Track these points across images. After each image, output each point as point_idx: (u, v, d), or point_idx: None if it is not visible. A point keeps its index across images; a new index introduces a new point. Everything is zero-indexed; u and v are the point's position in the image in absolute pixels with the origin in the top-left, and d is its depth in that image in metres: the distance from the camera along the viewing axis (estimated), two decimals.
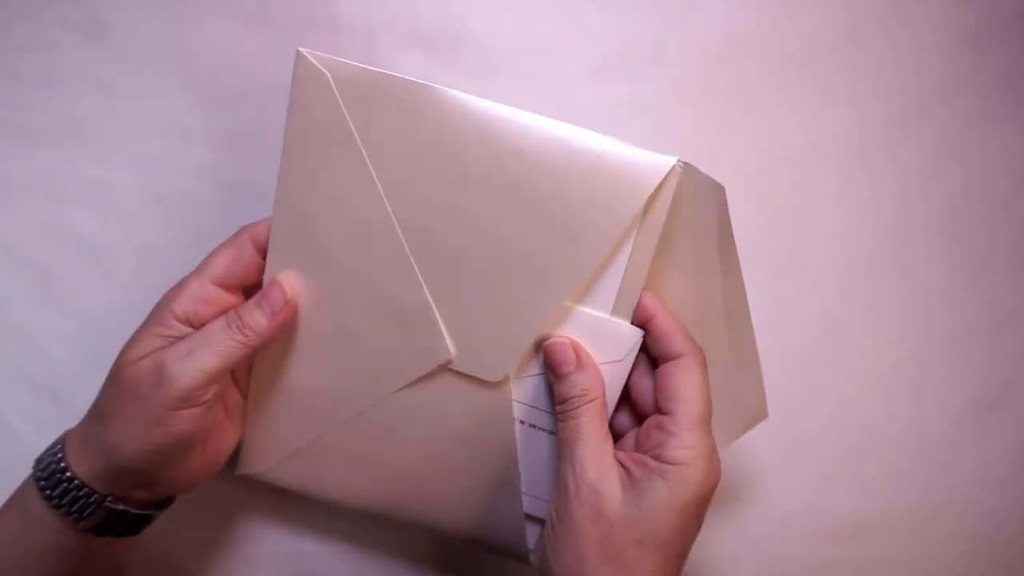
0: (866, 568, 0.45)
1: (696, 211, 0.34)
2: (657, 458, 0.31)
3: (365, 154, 0.33)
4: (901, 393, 0.45)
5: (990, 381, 0.45)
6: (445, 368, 0.35)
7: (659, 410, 0.33)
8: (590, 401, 0.33)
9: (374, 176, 0.33)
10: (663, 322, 0.33)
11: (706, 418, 0.32)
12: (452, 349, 0.35)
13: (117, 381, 0.33)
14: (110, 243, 0.45)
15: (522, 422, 0.36)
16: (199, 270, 0.35)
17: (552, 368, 0.34)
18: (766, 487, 0.45)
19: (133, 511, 0.34)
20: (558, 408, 0.33)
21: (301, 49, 0.33)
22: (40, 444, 0.45)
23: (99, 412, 0.34)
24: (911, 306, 0.45)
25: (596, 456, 0.31)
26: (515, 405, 0.36)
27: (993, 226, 0.46)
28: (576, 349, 0.34)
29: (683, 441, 0.31)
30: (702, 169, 0.45)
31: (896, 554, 0.45)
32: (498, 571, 0.44)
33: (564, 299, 0.34)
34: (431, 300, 0.34)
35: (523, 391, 0.36)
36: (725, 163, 0.45)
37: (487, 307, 0.34)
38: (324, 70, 0.32)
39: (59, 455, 0.34)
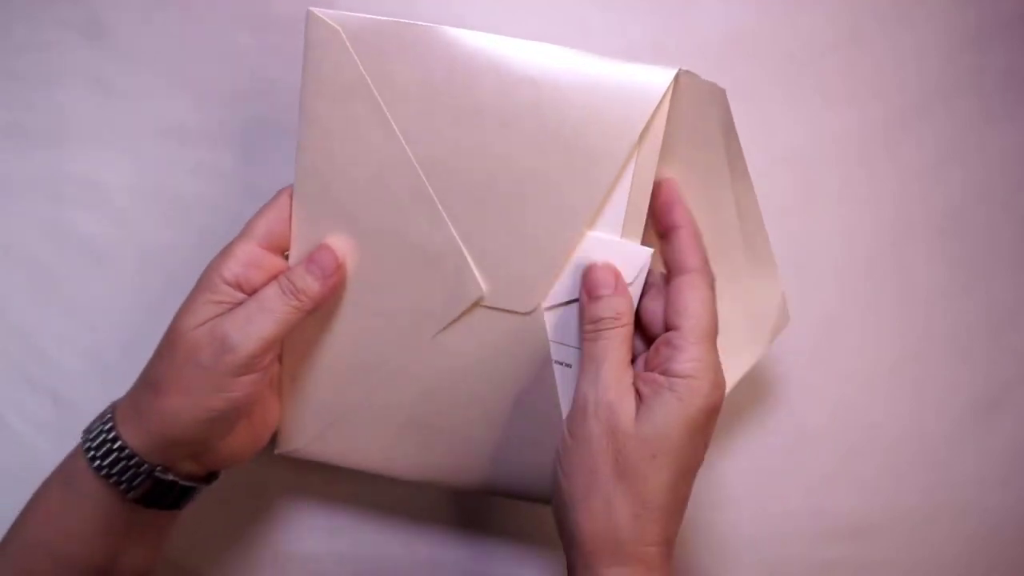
0: (866, 568, 0.45)
1: (698, 118, 0.34)
2: (665, 373, 0.31)
3: (382, 102, 0.33)
4: (901, 393, 0.45)
5: (990, 381, 0.45)
6: (477, 306, 0.35)
7: (667, 326, 0.33)
8: (622, 326, 0.33)
9: (392, 123, 0.33)
10: (687, 236, 0.34)
11: (712, 334, 0.32)
12: (483, 285, 0.35)
13: (174, 350, 0.33)
14: (110, 243, 0.45)
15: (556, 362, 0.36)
16: (243, 234, 0.35)
17: (589, 289, 0.34)
18: (766, 487, 0.45)
19: (181, 482, 0.34)
20: (588, 328, 0.33)
21: (312, 8, 0.33)
22: (40, 444, 0.45)
23: (152, 382, 0.34)
24: (911, 306, 0.45)
25: (617, 377, 0.32)
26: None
27: (993, 226, 0.46)
28: (616, 275, 0.34)
29: (690, 355, 0.31)
30: None
31: (896, 554, 0.45)
32: (498, 570, 0.45)
33: (584, 223, 0.34)
34: (458, 238, 0.34)
35: (551, 326, 0.36)
36: None
37: (513, 239, 0.34)
38: (336, 26, 0.33)
39: (109, 425, 0.34)
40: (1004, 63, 0.45)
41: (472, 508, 0.45)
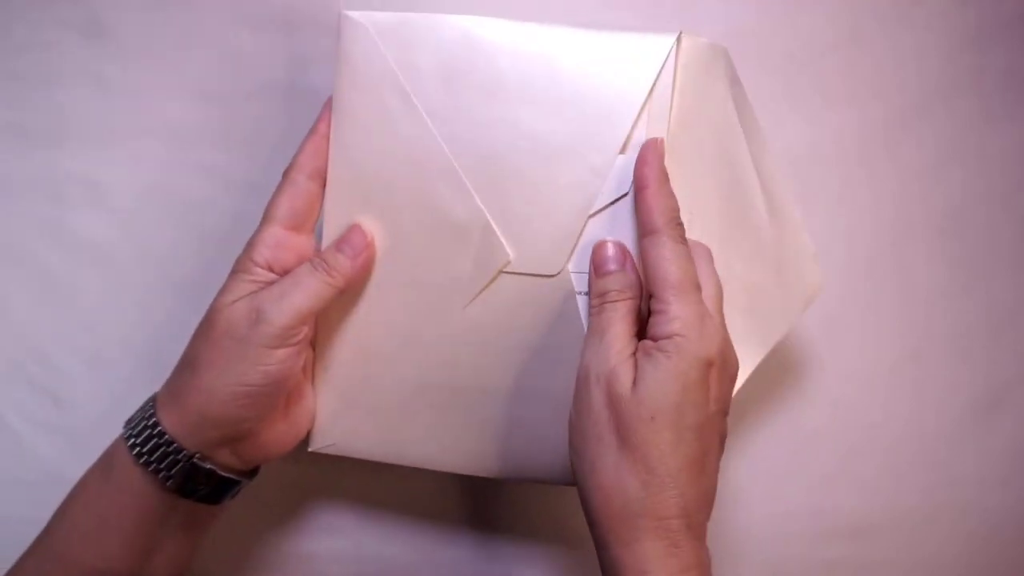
0: (866, 568, 0.45)
1: (704, 76, 0.36)
2: (654, 337, 0.31)
3: (408, 88, 0.36)
4: (901, 393, 0.45)
5: (990, 381, 0.45)
6: (505, 272, 0.37)
7: (649, 292, 0.33)
8: (626, 299, 0.33)
9: (419, 106, 0.36)
10: (651, 195, 0.33)
11: (687, 288, 0.32)
12: (510, 251, 0.36)
13: (211, 326, 0.34)
14: (110, 243, 0.45)
15: (582, 294, 0.37)
16: (265, 219, 0.36)
17: (597, 265, 0.35)
18: (766, 487, 0.45)
19: (219, 471, 0.35)
20: (593, 301, 0.34)
21: (345, 11, 0.36)
22: (40, 444, 0.45)
23: (190, 362, 0.34)
24: (911, 306, 0.45)
25: (619, 348, 0.32)
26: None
27: (993, 226, 0.46)
28: (624, 251, 0.35)
29: (670, 314, 0.31)
30: None
31: (896, 554, 0.45)
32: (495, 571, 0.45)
33: (601, 184, 0.35)
34: (483, 207, 0.36)
35: (578, 285, 0.37)
36: None
37: (536, 205, 0.36)
38: (365, 23, 0.36)
39: (151, 411, 0.34)
40: (1004, 63, 0.46)
41: (474, 507, 0.45)
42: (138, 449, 0.34)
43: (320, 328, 0.38)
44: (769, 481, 0.45)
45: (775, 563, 0.45)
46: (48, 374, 0.45)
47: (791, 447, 0.45)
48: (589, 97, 0.35)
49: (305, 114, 0.45)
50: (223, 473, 0.35)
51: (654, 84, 0.35)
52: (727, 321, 0.33)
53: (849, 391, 0.45)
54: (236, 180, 0.45)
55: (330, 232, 0.37)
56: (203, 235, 0.45)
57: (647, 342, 0.32)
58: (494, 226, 0.36)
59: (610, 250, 0.35)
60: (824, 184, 0.45)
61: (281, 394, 0.35)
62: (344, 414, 0.39)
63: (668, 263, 0.32)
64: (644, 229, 0.33)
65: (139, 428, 0.34)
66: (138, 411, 0.36)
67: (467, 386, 0.38)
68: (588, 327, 0.34)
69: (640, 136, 0.35)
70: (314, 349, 0.39)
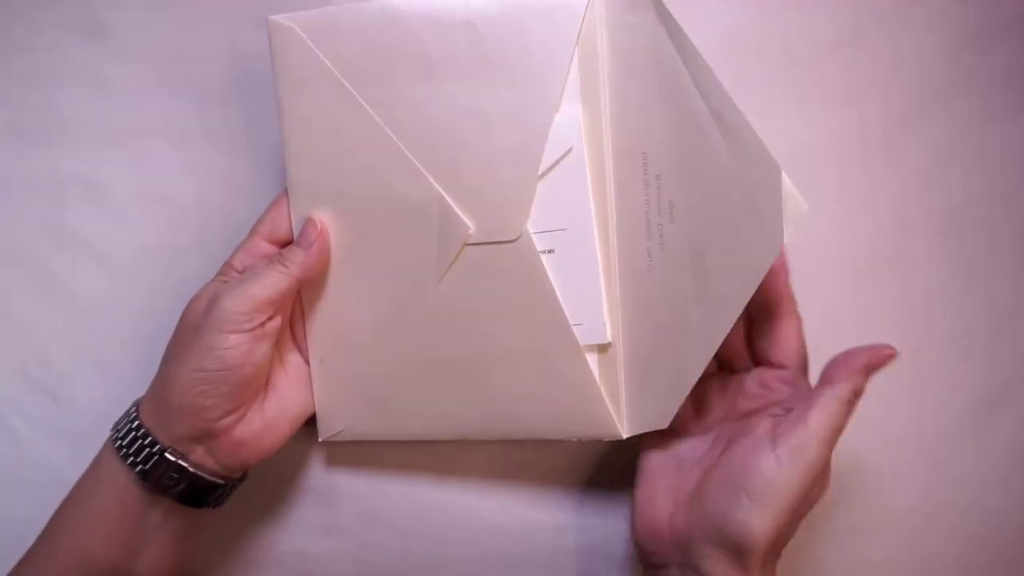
0: (866, 568, 0.45)
1: (632, 14, 0.36)
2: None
3: (344, 80, 0.37)
4: (900, 393, 0.45)
5: (990, 381, 0.45)
6: (468, 245, 0.37)
7: (771, 362, 0.37)
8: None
9: (356, 96, 0.37)
10: (778, 283, 0.37)
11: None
12: (470, 224, 0.37)
13: (181, 319, 0.37)
14: (110, 243, 0.45)
15: (545, 252, 0.37)
16: (251, 232, 0.39)
17: (874, 363, 0.36)
18: None
19: (190, 468, 0.35)
20: (852, 391, 0.35)
21: (270, 17, 0.37)
22: (40, 444, 0.45)
23: (164, 356, 0.37)
24: (910, 306, 0.45)
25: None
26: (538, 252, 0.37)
27: (993, 226, 0.46)
28: None
29: (805, 388, 0.36)
30: None
31: (896, 554, 0.45)
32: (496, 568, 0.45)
33: (543, 144, 0.36)
34: (437, 185, 0.37)
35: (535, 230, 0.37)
36: None
37: (485, 174, 0.37)
38: (292, 25, 0.37)
39: (134, 407, 0.37)
40: (1004, 63, 0.45)
41: (474, 509, 0.45)
42: (119, 443, 0.35)
43: (309, 324, 0.40)
44: None
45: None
46: (48, 374, 0.45)
47: None
48: (516, 58, 0.36)
49: None
50: (196, 471, 0.35)
51: (579, 30, 0.35)
52: (710, 264, 0.35)
53: None
54: (236, 180, 0.45)
55: (296, 232, 0.39)
56: (202, 235, 0.45)
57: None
58: (450, 201, 0.37)
59: (889, 357, 0.36)
60: (824, 184, 0.45)
61: (242, 384, 0.35)
62: (344, 401, 0.40)
63: (803, 344, 0.38)
64: (776, 311, 0.37)
65: (122, 422, 0.36)
66: (131, 405, 0.37)
67: (453, 357, 0.39)
68: (829, 409, 0.34)
69: (575, 85, 0.36)
70: (307, 345, 0.40)
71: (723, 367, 0.41)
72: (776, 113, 0.45)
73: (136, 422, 0.36)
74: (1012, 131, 0.46)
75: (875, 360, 0.35)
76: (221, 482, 0.37)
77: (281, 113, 0.38)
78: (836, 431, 0.33)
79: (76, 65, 0.45)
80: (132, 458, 0.35)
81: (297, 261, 0.37)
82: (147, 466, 0.35)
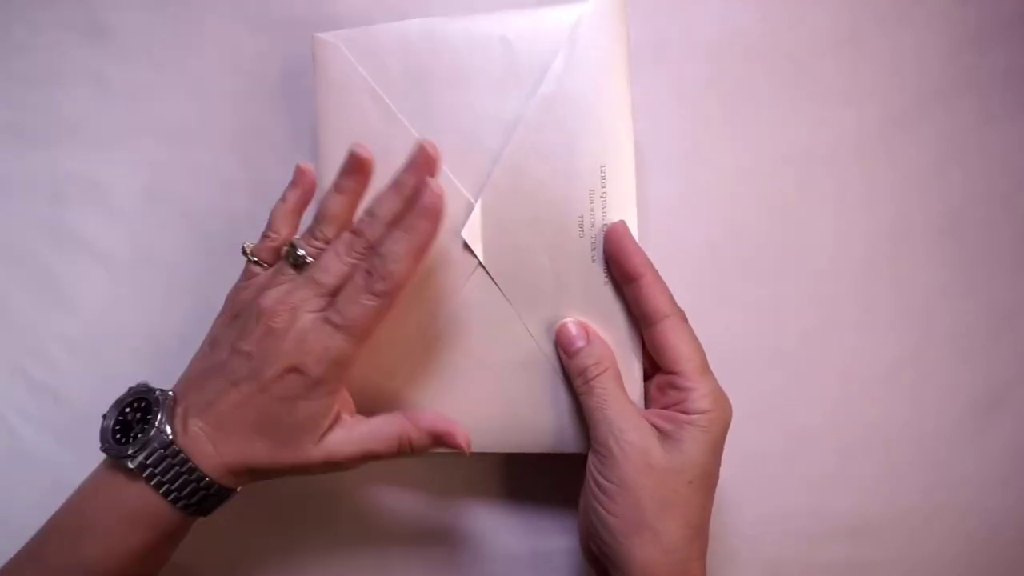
0: (865, 568, 0.45)
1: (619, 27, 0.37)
2: (684, 411, 0.34)
3: (382, 93, 0.38)
4: (900, 393, 0.45)
5: (990, 381, 0.45)
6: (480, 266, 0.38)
7: (665, 370, 0.35)
8: (605, 370, 0.35)
9: (392, 107, 0.38)
10: (649, 284, 0.35)
11: (706, 364, 0.35)
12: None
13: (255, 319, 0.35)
14: (110, 243, 0.45)
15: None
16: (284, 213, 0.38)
17: (565, 347, 0.36)
18: (766, 487, 0.45)
19: (228, 489, 0.34)
20: (579, 383, 0.36)
21: (316, 34, 0.39)
22: (40, 444, 0.45)
23: (219, 365, 0.35)
24: (910, 306, 0.45)
25: (629, 417, 0.34)
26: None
27: (993, 226, 0.46)
28: (584, 327, 0.36)
29: (701, 392, 0.34)
30: (703, 169, 0.45)
31: (896, 554, 0.45)
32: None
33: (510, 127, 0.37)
34: (466, 192, 0.38)
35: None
36: (724, 163, 0.45)
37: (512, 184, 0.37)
38: (337, 42, 0.39)
39: (168, 433, 0.34)
40: (1004, 63, 0.45)
41: (474, 508, 0.45)
42: (150, 470, 0.33)
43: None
44: (768, 481, 0.45)
45: (774, 563, 0.45)
46: (48, 374, 0.45)
47: (790, 447, 0.45)
48: (542, 71, 0.37)
49: (305, 114, 0.45)
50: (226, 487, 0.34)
51: (571, 34, 0.36)
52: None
53: (848, 391, 0.45)
54: (236, 180, 0.45)
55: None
56: (202, 235, 0.45)
57: (675, 414, 0.34)
58: (476, 209, 0.37)
59: (572, 329, 0.36)
60: (823, 184, 0.45)
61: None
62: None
63: (685, 345, 0.34)
64: (653, 316, 0.35)
65: (152, 449, 0.33)
66: (153, 436, 0.33)
67: (447, 365, 0.38)
68: (586, 409, 0.35)
69: (553, 79, 0.36)
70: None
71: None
72: (776, 113, 0.45)
73: (179, 455, 0.33)
74: (1012, 131, 0.46)
75: (564, 346, 0.36)
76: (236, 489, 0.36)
77: (319, 122, 0.39)
78: (604, 411, 0.34)
79: (76, 65, 0.45)
80: (175, 493, 0.33)
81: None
82: (192, 499, 0.33)
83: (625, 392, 0.35)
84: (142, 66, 0.45)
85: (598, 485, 0.34)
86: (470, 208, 0.37)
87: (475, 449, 0.37)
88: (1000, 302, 0.46)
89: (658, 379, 0.36)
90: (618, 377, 0.35)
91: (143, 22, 0.45)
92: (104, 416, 0.34)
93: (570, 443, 0.38)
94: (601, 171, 0.36)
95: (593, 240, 0.36)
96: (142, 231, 0.45)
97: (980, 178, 0.46)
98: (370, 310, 0.33)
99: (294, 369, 0.33)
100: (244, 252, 0.37)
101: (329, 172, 0.38)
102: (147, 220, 0.45)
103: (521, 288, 0.37)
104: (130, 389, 0.35)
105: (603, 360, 0.35)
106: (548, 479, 0.45)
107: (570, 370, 0.36)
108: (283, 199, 0.38)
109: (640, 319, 0.36)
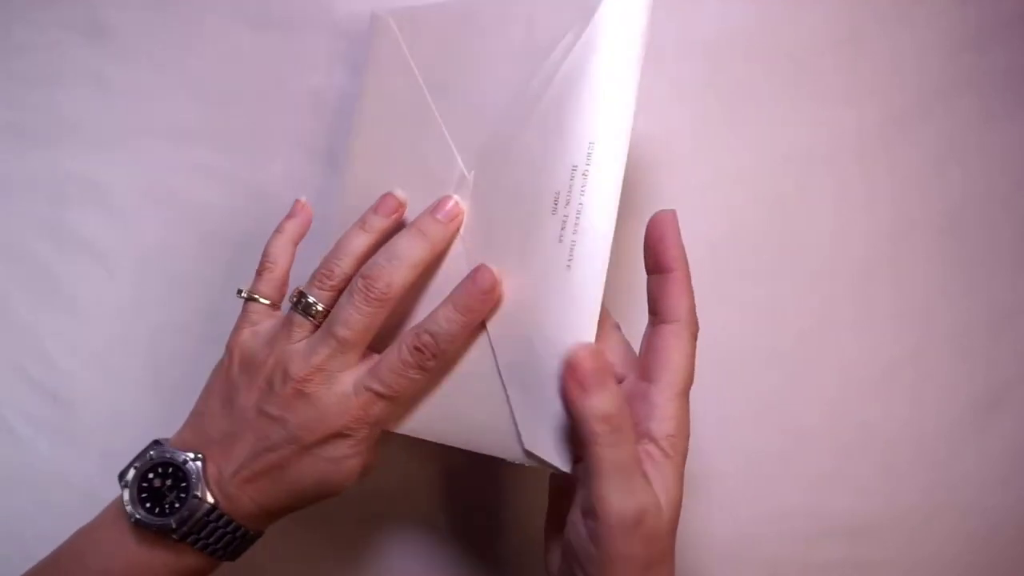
0: (865, 568, 0.45)
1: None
2: (647, 434, 0.30)
3: (415, 68, 0.39)
4: (900, 392, 0.45)
5: (990, 381, 0.45)
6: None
7: (644, 375, 0.31)
8: (629, 427, 0.30)
9: (421, 81, 0.38)
10: (678, 280, 0.32)
11: (688, 388, 0.31)
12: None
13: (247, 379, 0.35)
14: (110, 243, 0.45)
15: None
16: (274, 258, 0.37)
17: (583, 377, 0.30)
18: (764, 487, 0.45)
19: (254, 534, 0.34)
20: (597, 426, 0.29)
21: (374, 10, 0.40)
22: (40, 444, 0.45)
23: (236, 413, 0.35)
24: (910, 306, 0.45)
25: (643, 482, 0.29)
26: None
27: (992, 226, 0.46)
28: (608, 364, 0.31)
29: (671, 410, 0.30)
30: (702, 168, 0.45)
31: (895, 554, 0.45)
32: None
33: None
34: (462, 165, 0.37)
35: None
36: (724, 163, 0.45)
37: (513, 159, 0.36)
38: (388, 18, 0.40)
39: (197, 494, 0.34)
40: (1004, 63, 0.45)
41: (474, 508, 0.45)
42: (186, 530, 0.32)
43: None
44: (766, 481, 0.45)
45: (771, 563, 0.45)
46: (48, 374, 0.45)
47: (787, 446, 0.45)
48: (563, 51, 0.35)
49: (304, 114, 0.45)
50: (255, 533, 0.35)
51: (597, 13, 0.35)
52: None
53: (848, 391, 0.45)
54: (236, 180, 0.45)
55: (349, 201, 0.38)
56: (202, 235, 0.45)
57: (649, 448, 0.30)
58: (468, 179, 0.36)
59: (592, 360, 0.30)
60: (823, 184, 0.45)
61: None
62: None
63: (681, 358, 0.31)
64: (665, 315, 0.32)
65: (186, 514, 0.32)
66: (196, 506, 0.32)
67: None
68: (596, 464, 0.29)
69: (561, 52, 0.35)
70: None
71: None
72: (776, 113, 0.45)
73: (222, 518, 0.33)
74: (1012, 131, 0.46)
75: (576, 377, 0.30)
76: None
77: (364, 90, 0.40)
78: (618, 476, 0.29)
79: (76, 65, 0.45)
80: (217, 549, 0.33)
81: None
82: (229, 548, 0.34)
83: (636, 449, 0.30)
84: (142, 66, 0.45)
85: (584, 553, 0.29)
86: (463, 180, 0.36)
87: (407, 432, 0.35)
88: (1000, 302, 0.46)
89: (627, 386, 0.32)
90: (633, 432, 0.30)
91: (143, 22, 0.45)
92: (123, 480, 0.33)
93: (498, 448, 0.34)
94: (589, 147, 0.33)
95: (564, 220, 0.32)
96: (142, 231, 0.45)
97: (980, 178, 0.46)
98: (417, 383, 0.33)
99: (339, 435, 0.33)
100: (240, 294, 0.36)
101: (359, 151, 0.39)
102: (147, 220, 0.45)
103: (488, 262, 0.34)
104: (148, 454, 0.34)
105: (628, 416, 0.30)
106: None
107: (585, 407, 0.29)
108: (280, 230, 0.37)
109: (651, 314, 0.33)
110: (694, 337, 0.32)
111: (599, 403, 0.29)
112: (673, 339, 0.31)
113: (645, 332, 0.33)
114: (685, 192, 0.45)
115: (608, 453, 0.29)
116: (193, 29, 0.45)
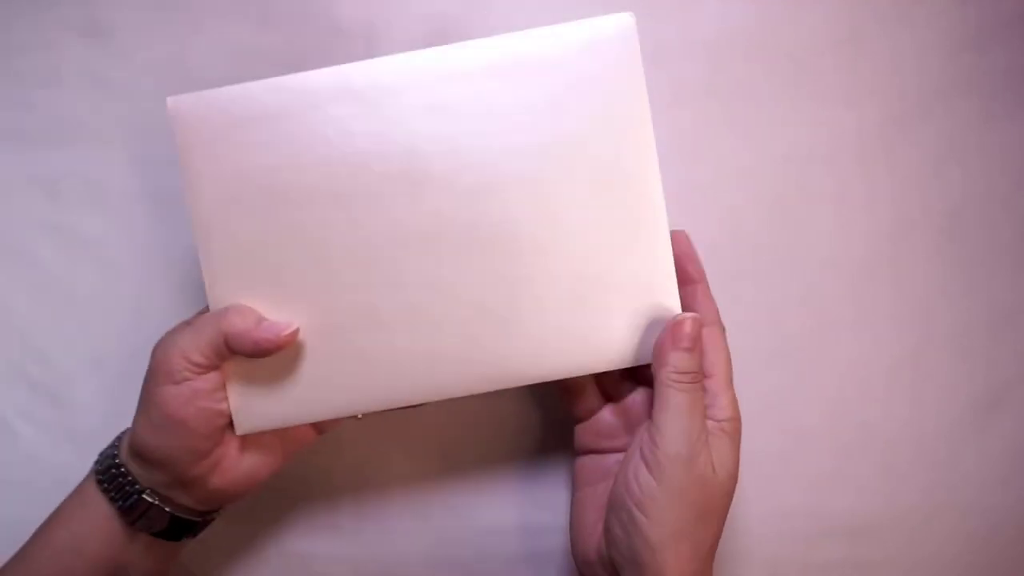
0: (865, 568, 0.45)
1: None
2: (712, 418, 0.35)
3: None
4: (900, 393, 0.45)
5: (990, 381, 0.45)
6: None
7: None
8: (700, 380, 0.35)
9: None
10: (705, 291, 0.37)
11: (731, 378, 0.36)
12: None
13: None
14: (110, 243, 0.45)
15: None
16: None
17: (680, 339, 0.34)
18: (764, 487, 0.45)
19: (169, 509, 0.36)
20: (678, 376, 0.34)
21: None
22: (40, 444, 0.45)
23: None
24: (910, 306, 0.45)
25: (701, 429, 0.34)
26: None
27: (992, 226, 0.46)
28: (700, 329, 0.35)
29: (727, 399, 0.35)
30: (702, 168, 0.45)
31: (895, 554, 0.45)
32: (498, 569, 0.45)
33: None
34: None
35: None
36: (724, 163, 0.45)
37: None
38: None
39: (117, 440, 0.37)
40: (1004, 63, 0.45)
41: (473, 509, 0.45)
42: (100, 477, 0.36)
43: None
44: (766, 481, 0.45)
45: (771, 563, 0.45)
46: (48, 374, 0.45)
47: (788, 446, 0.45)
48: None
49: None
50: (174, 512, 0.36)
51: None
52: None
53: (848, 391, 0.45)
54: None
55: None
56: None
57: (713, 426, 0.35)
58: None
59: (692, 327, 0.34)
60: (823, 184, 0.45)
61: (193, 435, 0.34)
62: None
63: (720, 354, 0.36)
64: (703, 320, 0.36)
65: (105, 456, 0.36)
66: (112, 442, 0.37)
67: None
68: (664, 399, 0.34)
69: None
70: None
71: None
72: (776, 113, 0.45)
73: (117, 459, 0.36)
74: (1012, 131, 0.46)
75: (677, 337, 0.34)
76: (199, 519, 0.37)
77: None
78: (687, 415, 0.33)
79: (76, 65, 0.45)
80: (112, 494, 0.35)
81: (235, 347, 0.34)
82: (126, 503, 0.35)
83: (703, 406, 0.35)
84: (142, 66, 0.45)
85: (645, 486, 0.33)
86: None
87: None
88: (1000, 302, 0.46)
89: None
90: (702, 390, 0.35)
91: (143, 22, 0.45)
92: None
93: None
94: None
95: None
96: (142, 231, 0.45)
97: (980, 178, 0.46)
98: None
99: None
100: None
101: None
102: (147, 220, 0.45)
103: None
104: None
105: (701, 373, 0.35)
106: (550, 478, 0.45)
107: (677, 360, 0.34)
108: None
109: None
110: (724, 334, 0.37)
111: (687, 360, 0.34)
112: (709, 340, 0.36)
113: None
114: (685, 192, 0.45)
115: (680, 397, 0.34)
116: (193, 30, 0.45)
